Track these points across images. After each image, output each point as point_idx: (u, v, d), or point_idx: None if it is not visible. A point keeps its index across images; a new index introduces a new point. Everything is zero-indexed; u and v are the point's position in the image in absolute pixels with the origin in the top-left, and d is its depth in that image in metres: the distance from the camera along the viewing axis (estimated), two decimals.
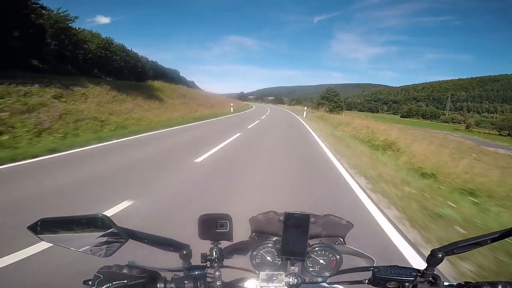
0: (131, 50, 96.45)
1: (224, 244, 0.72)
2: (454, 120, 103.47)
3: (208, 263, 0.68)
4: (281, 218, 0.68)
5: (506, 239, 0.56)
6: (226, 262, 0.72)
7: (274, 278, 0.67)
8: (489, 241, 0.57)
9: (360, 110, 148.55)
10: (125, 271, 0.59)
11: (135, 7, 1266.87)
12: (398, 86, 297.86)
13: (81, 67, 50.16)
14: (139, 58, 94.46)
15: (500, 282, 0.54)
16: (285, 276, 0.68)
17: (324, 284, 0.71)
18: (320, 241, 0.74)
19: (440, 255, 0.58)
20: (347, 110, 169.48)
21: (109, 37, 69.16)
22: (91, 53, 54.04)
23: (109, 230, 0.56)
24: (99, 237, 0.57)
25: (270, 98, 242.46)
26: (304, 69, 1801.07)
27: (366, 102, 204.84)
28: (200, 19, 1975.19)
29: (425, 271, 0.61)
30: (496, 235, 0.56)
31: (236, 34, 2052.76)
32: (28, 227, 0.56)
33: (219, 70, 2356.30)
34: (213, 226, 0.67)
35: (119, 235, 0.57)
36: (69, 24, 34.32)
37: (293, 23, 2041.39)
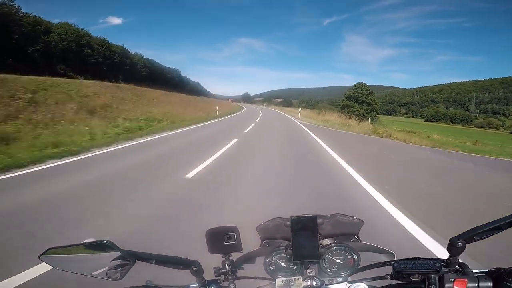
0: (122, 46, 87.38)
1: (235, 255, 0.71)
2: (491, 125, 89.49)
3: (222, 277, 0.69)
4: (288, 223, 0.67)
5: None
6: (240, 273, 0.73)
7: (292, 284, 0.65)
8: (508, 225, 0.54)
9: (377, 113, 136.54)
10: None
11: (146, 8, 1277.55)
12: (411, 88, 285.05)
13: (36, 62, 39.99)
14: (128, 54, 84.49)
15: None
16: (303, 280, 0.66)
17: (345, 283, 0.69)
18: (335, 240, 0.73)
19: (460, 243, 0.55)
20: None
21: (82, 28, 60.03)
22: (53, 46, 45.13)
23: (116, 254, 0.58)
24: (107, 261, 0.59)
25: (278, 100, 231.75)
26: (313, 71, 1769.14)
27: (383, 104, 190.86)
28: (209, 21, 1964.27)
29: (448, 260, 0.58)
30: None
31: (245, 36, 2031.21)
32: (38, 256, 0.58)
33: (227, 71, 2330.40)
34: (220, 239, 0.67)
35: (126, 258, 0.59)
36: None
37: (303, 25, 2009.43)
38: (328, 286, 0.69)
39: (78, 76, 58.06)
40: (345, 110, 40.20)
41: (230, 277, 0.68)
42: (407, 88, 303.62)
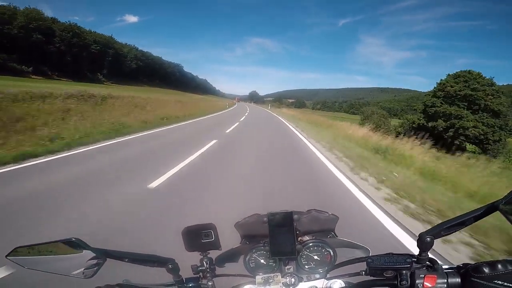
0: (111, 36, 74.21)
1: (215, 253, 0.72)
2: None
3: (201, 274, 0.68)
4: (265, 219, 0.68)
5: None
6: (220, 270, 0.73)
7: (271, 280, 0.67)
8: (474, 219, 0.56)
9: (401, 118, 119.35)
10: None
11: (160, 7, 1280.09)
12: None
13: None
14: (111, 44, 66.03)
15: (499, 261, 0.51)
16: (282, 277, 0.68)
17: (322, 280, 0.70)
18: (313, 236, 0.74)
19: (428, 239, 0.57)
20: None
21: (44, 14, 46.08)
22: None
23: (86, 252, 0.57)
24: (78, 259, 0.57)
25: (290, 100, 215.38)
26: (326, 72, 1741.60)
27: (409, 109, 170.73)
28: (223, 21, 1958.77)
29: (419, 256, 0.59)
30: (479, 213, 0.55)
31: (258, 36, 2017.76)
32: (6, 256, 0.57)
33: (238, 70, 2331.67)
34: (197, 237, 0.67)
35: (97, 256, 0.58)
36: None
37: (317, 25, 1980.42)
38: (306, 282, 0.69)
39: (24, 67, 46.53)
40: (439, 121, 21.60)
41: (208, 275, 0.67)
42: (426, 91, 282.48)
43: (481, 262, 0.53)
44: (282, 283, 0.67)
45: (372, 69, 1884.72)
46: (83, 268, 0.58)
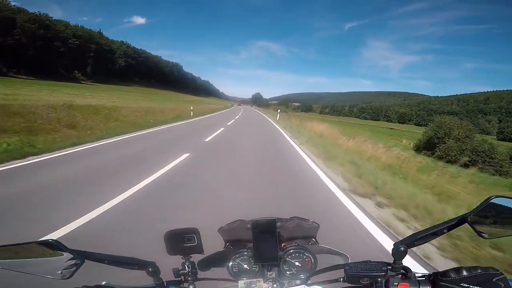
0: (99, 31, 66.53)
1: (198, 257, 0.72)
2: None
3: (182, 278, 0.69)
4: (249, 226, 0.69)
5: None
6: (204, 274, 0.74)
7: (253, 285, 0.68)
8: (445, 230, 0.58)
9: (418, 124, 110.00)
10: None
11: (166, 7, 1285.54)
12: (444, 95, 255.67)
13: None
14: (94, 39, 55.97)
15: (464, 267, 0.55)
16: (264, 282, 0.69)
17: (303, 286, 0.71)
18: (296, 243, 0.76)
19: (402, 249, 0.59)
20: (400, 123, 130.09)
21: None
22: None
23: (64, 254, 0.56)
24: (55, 261, 0.56)
25: (296, 104, 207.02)
26: (332, 76, 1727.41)
27: (426, 113, 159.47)
28: (228, 24, 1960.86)
29: (394, 264, 0.61)
30: (452, 223, 0.58)
31: (264, 39, 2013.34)
32: None
33: (243, 73, 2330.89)
34: (180, 241, 0.67)
35: (75, 258, 0.57)
36: None
37: (323, 29, 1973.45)
38: None
39: None
40: None
41: (190, 278, 0.68)
42: (436, 95, 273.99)
43: (448, 269, 0.56)
44: None
45: (378, 73, 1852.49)
46: (60, 269, 0.56)
